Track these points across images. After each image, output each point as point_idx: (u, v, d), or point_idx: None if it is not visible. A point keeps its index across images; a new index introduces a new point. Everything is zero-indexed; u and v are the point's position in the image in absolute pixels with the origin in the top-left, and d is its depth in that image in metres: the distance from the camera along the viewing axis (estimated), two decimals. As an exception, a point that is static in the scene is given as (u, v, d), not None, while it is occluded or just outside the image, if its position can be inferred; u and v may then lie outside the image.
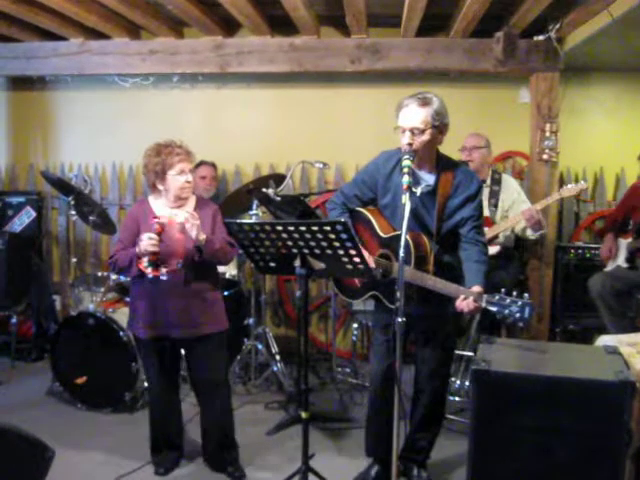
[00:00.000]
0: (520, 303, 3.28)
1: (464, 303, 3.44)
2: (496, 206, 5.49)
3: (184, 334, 4.13)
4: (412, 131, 3.59)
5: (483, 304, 3.40)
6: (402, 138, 3.63)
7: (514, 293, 3.35)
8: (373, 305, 4.10)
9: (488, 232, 5.26)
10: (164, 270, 3.89)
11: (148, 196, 4.30)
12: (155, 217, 3.90)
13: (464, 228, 3.73)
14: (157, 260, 3.89)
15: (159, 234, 3.84)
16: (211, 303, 4.21)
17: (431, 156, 3.76)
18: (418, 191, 3.62)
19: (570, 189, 5.37)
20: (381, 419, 4.01)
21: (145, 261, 3.87)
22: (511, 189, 5.56)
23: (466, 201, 3.73)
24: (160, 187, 4.12)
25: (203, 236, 3.91)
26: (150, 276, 3.89)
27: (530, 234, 5.50)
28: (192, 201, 4.27)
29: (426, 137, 3.60)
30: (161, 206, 4.18)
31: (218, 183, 6.71)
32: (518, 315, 3.28)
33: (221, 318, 4.27)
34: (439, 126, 3.64)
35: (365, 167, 4.05)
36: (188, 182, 4.08)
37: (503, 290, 3.40)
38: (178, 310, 4.07)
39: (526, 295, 3.34)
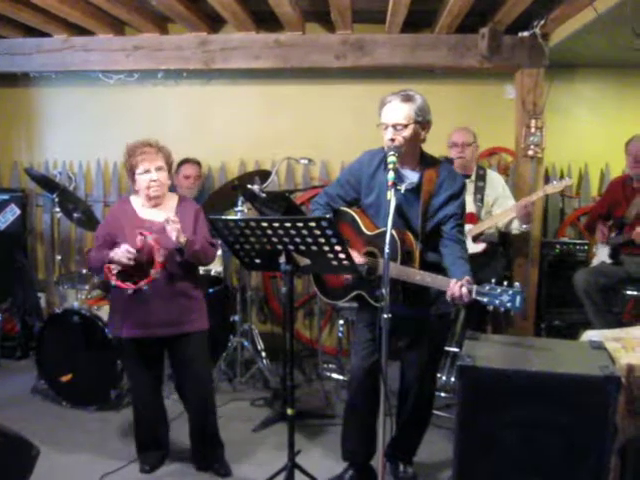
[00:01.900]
0: (511, 292, 3.26)
1: (456, 287, 3.37)
2: (482, 202, 5.48)
3: (166, 333, 4.11)
4: (395, 127, 3.59)
5: (473, 295, 3.36)
6: (385, 134, 3.63)
7: (504, 283, 3.34)
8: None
9: (473, 229, 5.26)
10: (130, 285, 3.87)
11: (131, 195, 4.30)
12: (142, 233, 3.90)
13: (447, 225, 3.71)
14: (126, 272, 3.88)
15: (139, 251, 3.85)
16: (193, 302, 4.20)
17: (414, 154, 3.75)
18: (402, 188, 3.62)
19: (555, 186, 5.37)
20: (361, 422, 4.00)
21: (114, 267, 3.87)
22: (496, 184, 5.56)
23: (449, 199, 3.72)
24: (134, 187, 4.16)
25: (184, 238, 3.90)
26: (113, 284, 3.90)
27: (515, 227, 5.49)
28: (174, 200, 4.27)
29: (409, 132, 3.59)
30: (140, 206, 4.18)
31: (203, 180, 6.70)
32: (509, 304, 3.26)
33: (203, 317, 4.27)
34: (422, 122, 3.64)
35: (349, 167, 4.04)
36: (153, 181, 4.05)
37: (493, 280, 3.39)
38: (161, 310, 4.05)
39: (517, 284, 3.33)
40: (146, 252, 3.92)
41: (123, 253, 3.83)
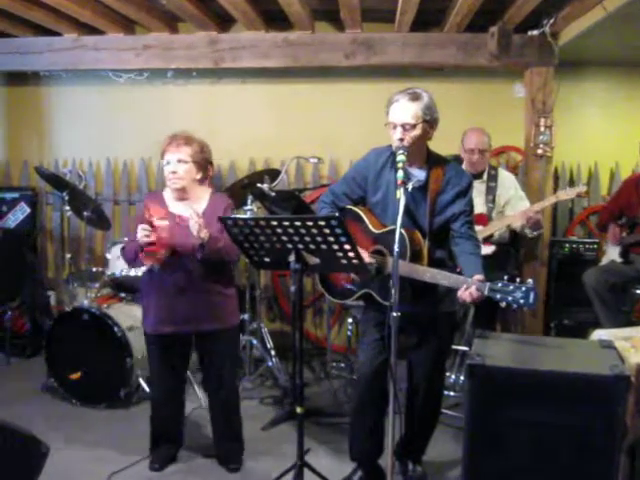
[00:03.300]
0: (524, 289, 3.24)
1: (466, 293, 3.38)
2: (493, 202, 5.43)
3: (192, 330, 4.17)
4: (403, 126, 3.57)
5: (486, 292, 3.35)
6: (393, 134, 3.62)
7: (517, 280, 3.33)
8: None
9: (484, 230, 5.23)
10: (150, 260, 3.95)
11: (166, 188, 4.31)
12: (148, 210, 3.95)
13: (456, 223, 3.71)
14: (154, 251, 3.92)
15: (150, 224, 3.88)
16: (222, 299, 4.21)
17: (422, 152, 3.74)
18: (409, 186, 3.60)
19: (568, 192, 5.33)
20: (368, 422, 3.99)
21: (145, 251, 3.91)
22: (507, 184, 5.50)
23: (457, 197, 3.71)
24: None
25: (205, 233, 3.88)
26: (148, 265, 3.99)
27: (529, 233, 5.45)
28: (206, 193, 4.27)
29: (417, 132, 3.58)
30: (171, 199, 4.21)
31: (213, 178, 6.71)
32: (522, 301, 3.24)
33: (231, 313, 4.28)
34: (430, 121, 3.62)
35: (355, 165, 4.03)
36: (171, 172, 4.06)
37: (505, 277, 3.38)
38: (187, 306, 4.08)
39: (530, 281, 3.32)
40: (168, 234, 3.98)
41: (140, 232, 3.85)
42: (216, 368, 4.29)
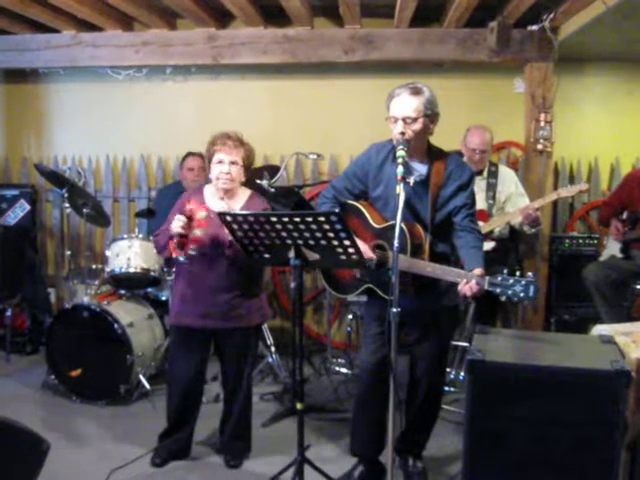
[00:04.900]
0: (524, 282, 3.24)
1: (467, 287, 3.38)
2: (494, 199, 5.43)
3: (209, 325, 4.17)
4: (404, 120, 3.57)
5: (485, 286, 3.35)
6: (394, 128, 3.62)
7: (517, 274, 3.33)
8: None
9: (484, 227, 5.22)
10: (179, 253, 3.98)
11: (207, 184, 4.35)
12: (188, 203, 4.04)
13: (458, 216, 3.70)
14: (184, 243, 3.98)
15: (189, 218, 3.95)
16: (243, 299, 4.20)
17: (423, 146, 3.74)
18: (411, 181, 3.60)
19: (569, 189, 5.32)
20: (370, 416, 3.98)
21: (175, 241, 3.94)
22: (508, 181, 5.51)
23: (458, 190, 3.71)
24: (210, 175, 4.20)
25: None
26: (174, 256, 3.99)
27: (527, 229, 5.45)
28: (245, 195, 4.30)
29: (418, 126, 3.58)
30: (211, 195, 4.24)
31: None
32: (522, 295, 3.24)
33: (250, 314, 4.26)
34: (431, 115, 3.62)
35: (356, 160, 4.03)
36: (223, 173, 4.08)
37: (505, 271, 3.37)
38: (207, 303, 4.12)
39: (530, 274, 3.31)
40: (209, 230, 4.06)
41: (175, 222, 3.89)
42: (234, 367, 4.32)
